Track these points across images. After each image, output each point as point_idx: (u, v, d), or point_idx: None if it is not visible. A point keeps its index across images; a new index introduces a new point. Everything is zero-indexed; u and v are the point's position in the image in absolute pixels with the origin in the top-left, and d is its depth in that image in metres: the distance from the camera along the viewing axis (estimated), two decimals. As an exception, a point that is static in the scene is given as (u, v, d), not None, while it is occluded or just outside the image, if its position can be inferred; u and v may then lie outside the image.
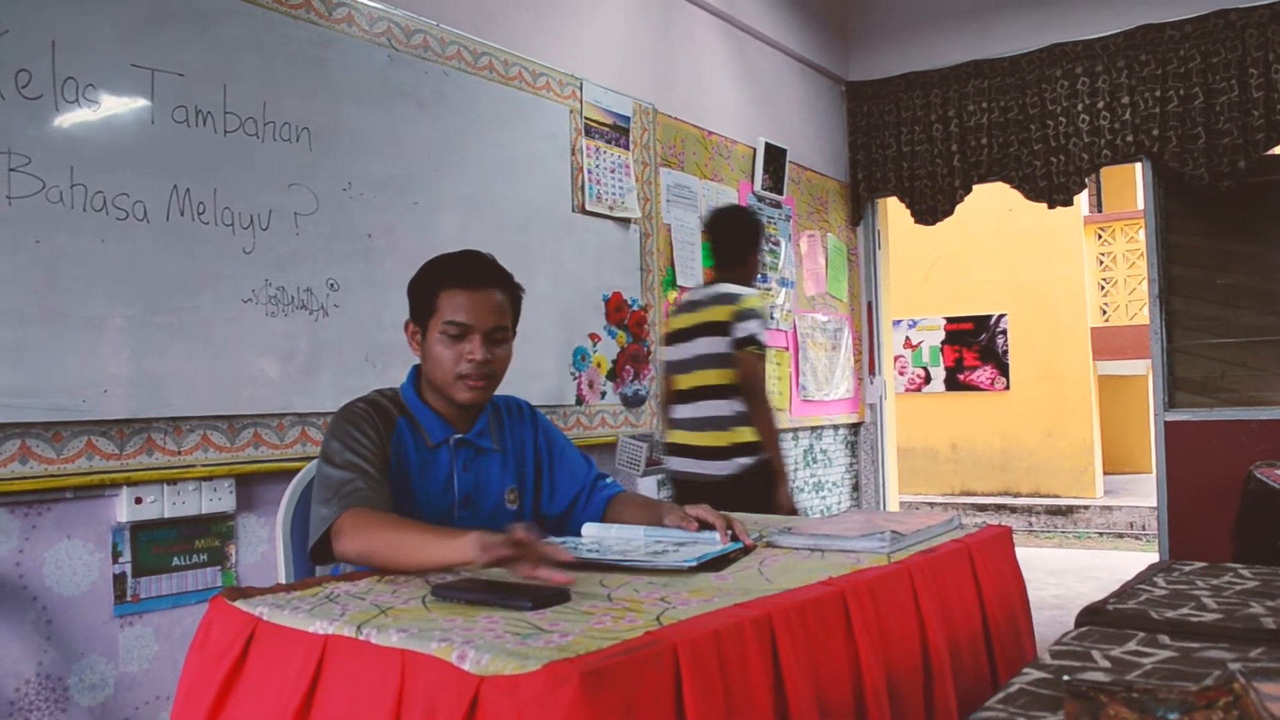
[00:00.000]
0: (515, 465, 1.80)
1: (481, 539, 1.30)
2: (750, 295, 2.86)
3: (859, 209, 5.27)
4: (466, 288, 1.66)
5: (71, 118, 2.06)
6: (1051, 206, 4.71)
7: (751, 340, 2.77)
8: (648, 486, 3.65)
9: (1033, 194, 4.73)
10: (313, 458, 1.73)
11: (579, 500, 1.82)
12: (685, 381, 2.91)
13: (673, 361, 2.98)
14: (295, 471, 1.86)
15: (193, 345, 2.24)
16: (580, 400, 3.36)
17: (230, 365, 2.31)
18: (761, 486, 2.75)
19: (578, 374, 3.35)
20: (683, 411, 2.91)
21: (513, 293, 1.72)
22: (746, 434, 2.77)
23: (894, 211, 5.50)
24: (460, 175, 2.94)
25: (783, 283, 4.64)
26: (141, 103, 2.18)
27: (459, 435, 1.72)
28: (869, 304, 5.38)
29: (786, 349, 4.67)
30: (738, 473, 2.76)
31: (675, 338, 2.98)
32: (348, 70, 2.63)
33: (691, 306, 2.96)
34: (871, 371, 5.34)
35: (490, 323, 1.66)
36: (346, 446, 1.58)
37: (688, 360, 2.91)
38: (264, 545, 2.40)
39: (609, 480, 1.88)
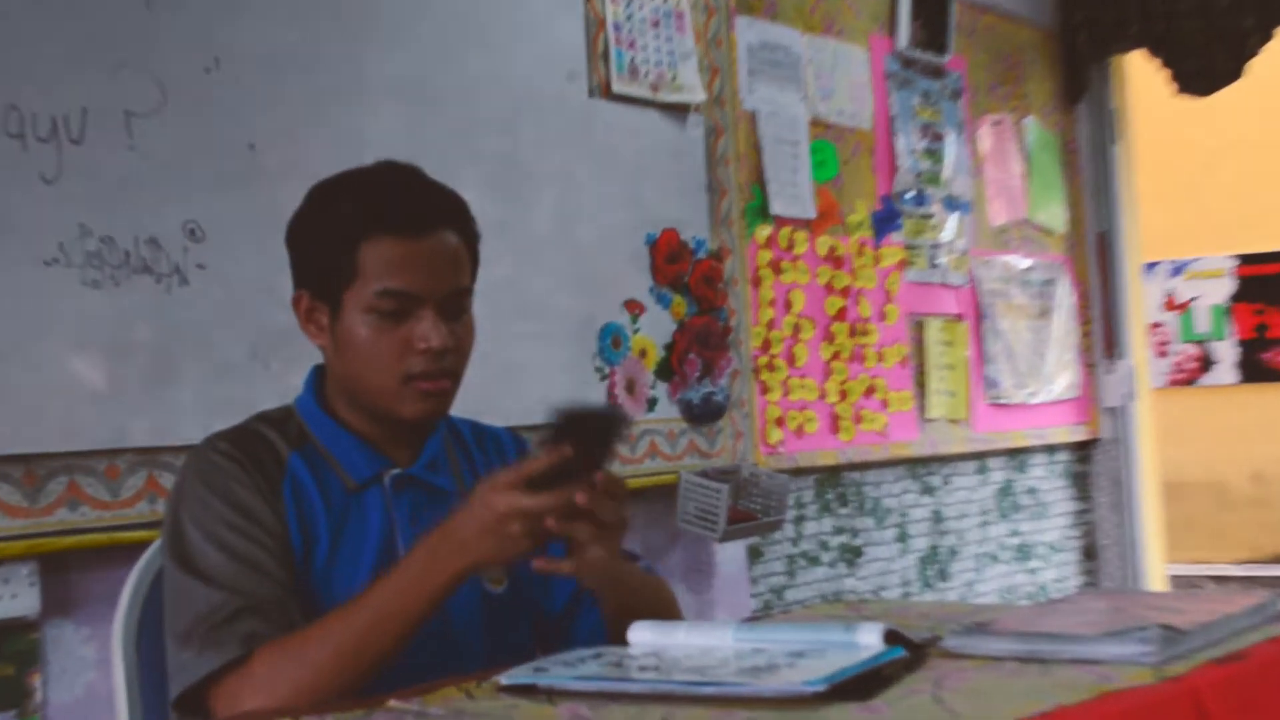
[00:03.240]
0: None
1: (489, 523, 1.51)
2: None
3: (1080, 75, 5.22)
4: (407, 233, 1.69)
5: None
6: None
7: None
8: (732, 559, 3.64)
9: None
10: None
11: (586, 591, 1.84)
12: None
13: None
14: (140, 546, 1.87)
15: (-37, 340, 2.27)
16: (613, 415, 3.35)
17: (24, 370, 2.32)
18: None
19: (608, 369, 3.35)
20: None
21: (469, 232, 1.77)
22: None
23: (1141, 77, 5.43)
24: (400, 43, 2.95)
25: (950, 205, 4.60)
26: None
27: (398, 470, 1.74)
28: (1101, 237, 5.32)
29: (960, 317, 4.63)
30: None
31: None
32: None
33: None
34: (1109, 352, 5.29)
35: (446, 284, 1.70)
36: (209, 535, 1.60)
37: None
38: (90, 672, 2.42)
39: (638, 563, 1.92)
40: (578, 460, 1.52)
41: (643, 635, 1.68)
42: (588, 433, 1.55)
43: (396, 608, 1.53)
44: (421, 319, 1.68)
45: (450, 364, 1.70)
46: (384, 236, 1.68)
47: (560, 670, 1.51)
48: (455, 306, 1.72)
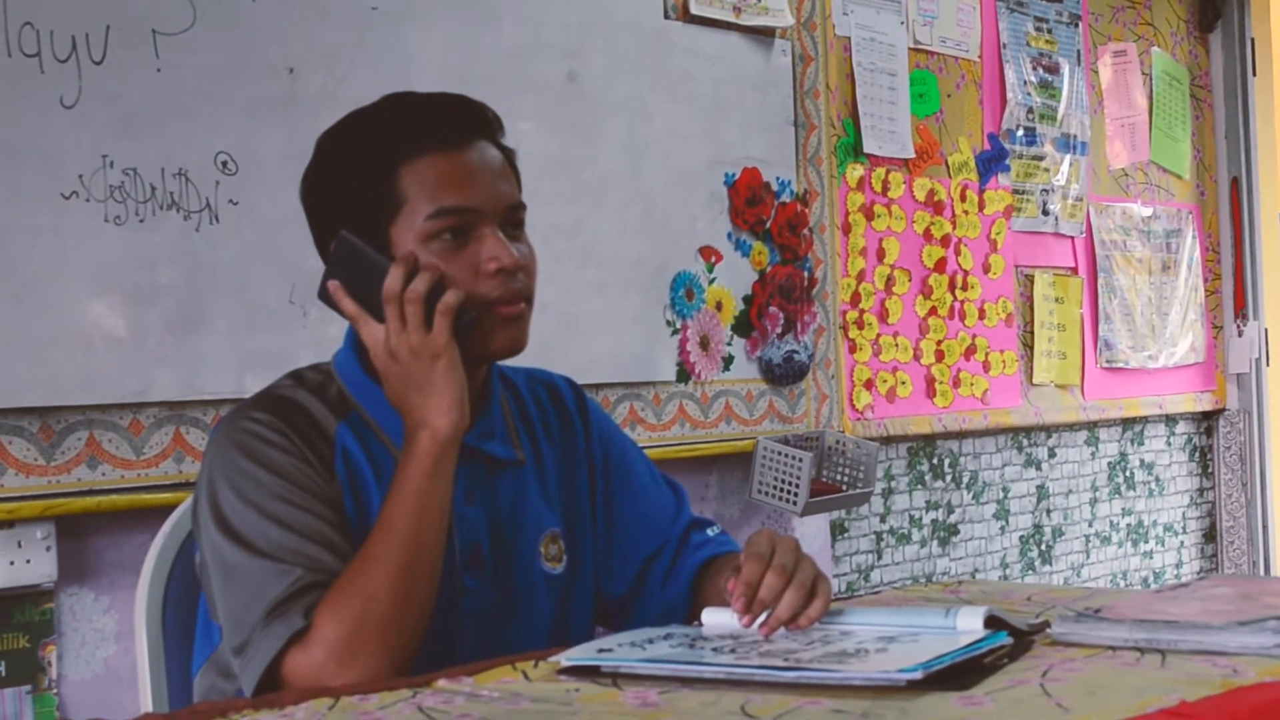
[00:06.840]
0: (560, 491, 1.83)
1: (413, 376, 1.61)
2: None
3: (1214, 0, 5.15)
4: (449, 145, 1.68)
5: None
6: None
7: None
8: (813, 535, 3.63)
9: None
10: (193, 482, 1.75)
11: (654, 567, 1.85)
12: None
13: None
14: (166, 509, 1.89)
15: (-25, 279, 2.29)
16: (686, 373, 3.36)
17: (40, 314, 2.34)
18: None
19: (680, 323, 3.35)
20: None
21: (505, 147, 1.77)
22: None
23: (1284, 2, 5.35)
24: (454, -47, 2.95)
25: (1064, 145, 4.56)
26: None
27: None
28: (1234, 183, 5.26)
29: (1073, 271, 4.60)
30: None
31: None
32: None
33: None
34: (1239, 313, 5.23)
35: (503, 198, 1.70)
36: (264, 511, 1.59)
37: None
38: (110, 645, 2.45)
39: (713, 531, 1.90)
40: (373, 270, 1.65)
41: (718, 617, 1.68)
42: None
43: (424, 502, 1.57)
44: (484, 238, 1.66)
45: (523, 285, 1.69)
46: (425, 152, 1.66)
47: (627, 651, 1.51)
48: (513, 225, 1.71)
